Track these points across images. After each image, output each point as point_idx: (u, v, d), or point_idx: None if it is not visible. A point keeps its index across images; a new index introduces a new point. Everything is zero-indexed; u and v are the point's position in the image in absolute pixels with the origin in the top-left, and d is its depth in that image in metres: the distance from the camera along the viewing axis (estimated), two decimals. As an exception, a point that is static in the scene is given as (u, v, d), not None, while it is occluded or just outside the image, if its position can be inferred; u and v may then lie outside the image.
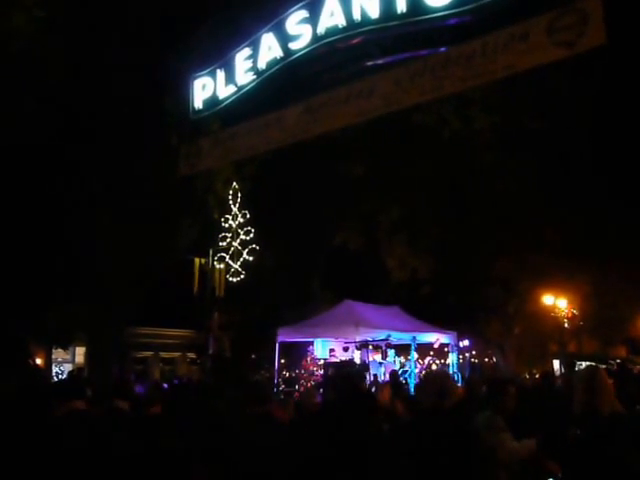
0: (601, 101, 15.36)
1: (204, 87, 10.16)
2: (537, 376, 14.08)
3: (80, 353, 18.55)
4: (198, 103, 10.23)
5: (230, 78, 9.82)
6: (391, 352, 14.08)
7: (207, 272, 12.30)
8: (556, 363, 23.62)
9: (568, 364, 16.47)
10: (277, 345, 13.92)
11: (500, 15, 7.39)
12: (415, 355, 14.28)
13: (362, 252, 18.84)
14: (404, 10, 7.91)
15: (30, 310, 9.84)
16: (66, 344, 14.55)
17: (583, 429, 3.80)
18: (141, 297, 12.55)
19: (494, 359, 21.95)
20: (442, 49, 8.11)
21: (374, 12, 8.16)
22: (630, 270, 23.46)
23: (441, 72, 7.94)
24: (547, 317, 22.58)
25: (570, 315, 24.10)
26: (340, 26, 8.44)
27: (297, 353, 14.92)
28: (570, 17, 6.70)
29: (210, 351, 12.34)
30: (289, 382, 13.81)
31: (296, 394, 11.92)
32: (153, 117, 10.06)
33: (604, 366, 20.76)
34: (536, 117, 15.01)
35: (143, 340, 20.95)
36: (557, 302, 22.91)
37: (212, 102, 10.08)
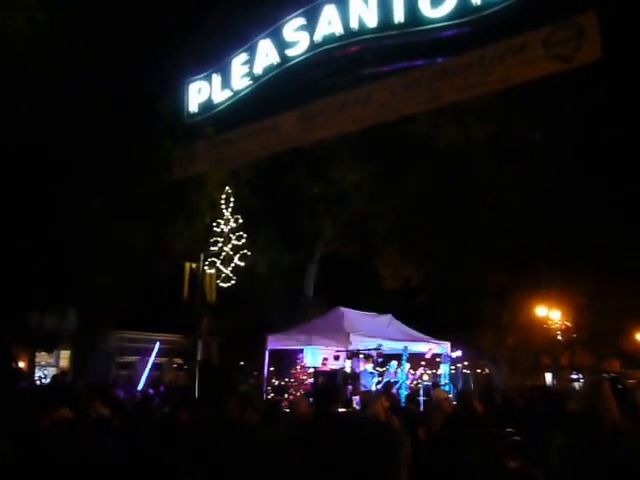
0: (597, 113, 15.41)
1: (200, 91, 10.14)
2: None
3: (65, 357, 18.27)
4: (193, 107, 10.20)
5: (226, 83, 9.80)
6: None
7: (197, 277, 12.18)
8: (548, 376, 23.56)
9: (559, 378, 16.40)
10: (267, 352, 13.79)
11: (497, 28, 7.38)
12: (407, 365, 14.18)
13: (355, 259, 18.80)
14: (402, 20, 7.91)
15: (12, 311, 9.71)
16: (50, 347, 14.32)
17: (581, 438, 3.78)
18: (129, 300, 12.41)
19: (487, 370, 21.88)
20: (439, 60, 8.11)
21: (372, 21, 8.15)
22: (625, 283, 23.48)
23: (437, 82, 7.93)
24: (540, 329, 22.53)
25: (563, 327, 24.06)
26: (337, 34, 8.44)
27: (287, 361, 14.78)
28: (566, 31, 6.71)
29: (198, 357, 12.21)
30: (278, 390, 13.68)
31: (285, 403, 11.82)
32: (147, 119, 9.99)
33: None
34: (532, 128, 15.04)
35: (129, 344, 20.72)
36: (550, 314, 22.87)
37: (207, 106, 10.05)
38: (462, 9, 7.49)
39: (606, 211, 18.40)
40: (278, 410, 6.84)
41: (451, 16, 7.59)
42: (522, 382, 19.06)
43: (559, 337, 23.53)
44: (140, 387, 7.95)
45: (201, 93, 10.12)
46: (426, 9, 7.72)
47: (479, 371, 22.04)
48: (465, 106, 12.78)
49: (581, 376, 21.47)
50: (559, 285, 20.89)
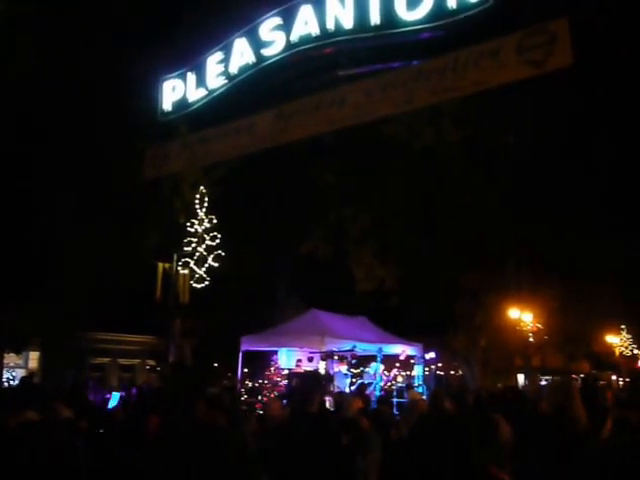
0: (570, 116, 15.68)
1: (174, 89, 10.00)
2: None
3: (34, 358, 17.86)
4: (167, 105, 10.06)
5: (201, 81, 9.69)
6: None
7: (171, 277, 12.03)
8: (521, 377, 23.85)
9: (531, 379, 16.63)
10: (240, 354, 13.68)
11: (472, 32, 7.45)
12: (381, 367, 14.23)
13: (330, 260, 18.78)
14: (378, 22, 7.93)
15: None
16: (19, 348, 14.00)
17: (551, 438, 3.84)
18: (101, 300, 12.19)
19: (460, 372, 22.04)
20: (414, 62, 8.15)
21: (348, 23, 8.15)
22: (594, 286, 23.97)
23: (412, 85, 7.96)
24: (512, 331, 22.81)
25: (535, 329, 24.42)
26: (313, 35, 8.42)
27: (261, 362, 14.70)
28: (539, 37, 6.80)
29: (171, 359, 12.05)
30: (252, 392, 13.58)
31: (258, 405, 11.75)
32: (120, 117, 9.83)
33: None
34: (507, 131, 15.23)
35: (101, 346, 20.30)
36: (522, 316, 23.18)
37: (182, 105, 9.93)
38: (438, 13, 7.54)
39: (579, 215, 18.71)
40: (238, 411, 6.80)
41: (427, 19, 7.63)
42: (494, 383, 19.24)
43: (531, 339, 23.87)
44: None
45: (175, 91, 9.98)
46: (402, 12, 7.74)
47: (452, 372, 22.21)
48: (441, 109, 12.88)
49: (549, 378, 21.80)
50: (531, 288, 21.19)
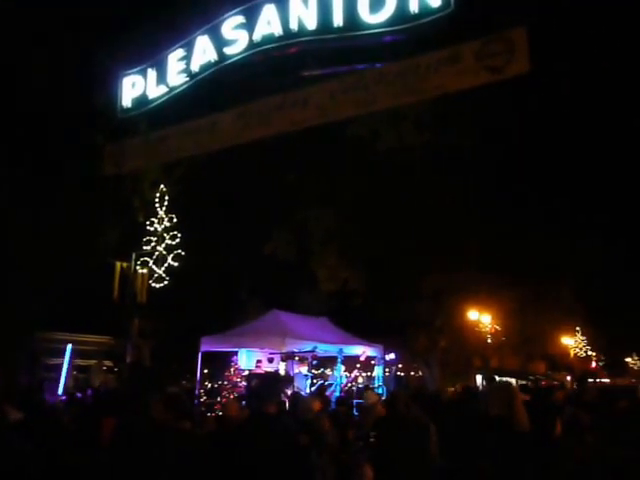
0: (529, 124, 16.08)
1: (134, 85, 9.82)
2: (452, 389, 14.34)
3: (-14, 359, 17.29)
4: (127, 102, 9.86)
5: (161, 78, 9.54)
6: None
7: (129, 277, 11.81)
8: (479, 378, 24.32)
9: (488, 379, 16.97)
10: (200, 355, 13.53)
11: (433, 37, 7.56)
12: (342, 368, 14.28)
13: (293, 260, 18.76)
14: (340, 24, 7.95)
15: None
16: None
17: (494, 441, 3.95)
18: (55, 299, 11.90)
19: (420, 372, 22.31)
20: (377, 65, 8.21)
21: (311, 24, 8.16)
22: (550, 289, 24.66)
23: (375, 87, 8.04)
24: (472, 332, 23.24)
25: (493, 331, 24.95)
26: (276, 35, 8.39)
27: (221, 363, 14.56)
28: (498, 45, 6.95)
29: (128, 359, 11.84)
30: (211, 393, 13.43)
31: (217, 406, 11.63)
32: (78, 113, 9.60)
33: (524, 382, 21.59)
34: (466, 136, 15.52)
35: (56, 346, 19.75)
36: (481, 318, 23.64)
37: (141, 101, 9.75)
38: (400, 16, 7.61)
39: (536, 219, 19.20)
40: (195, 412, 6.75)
41: (389, 23, 7.69)
42: (453, 384, 19.56)
43: (489, 340, 24.35)
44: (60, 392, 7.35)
45: (135, 88, 9.79)
46: (365, 14, 7.79)
47: (412, 373, 22.45)
48: (403, 112, 13.04)
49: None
50: (490, 290, 21.62)
